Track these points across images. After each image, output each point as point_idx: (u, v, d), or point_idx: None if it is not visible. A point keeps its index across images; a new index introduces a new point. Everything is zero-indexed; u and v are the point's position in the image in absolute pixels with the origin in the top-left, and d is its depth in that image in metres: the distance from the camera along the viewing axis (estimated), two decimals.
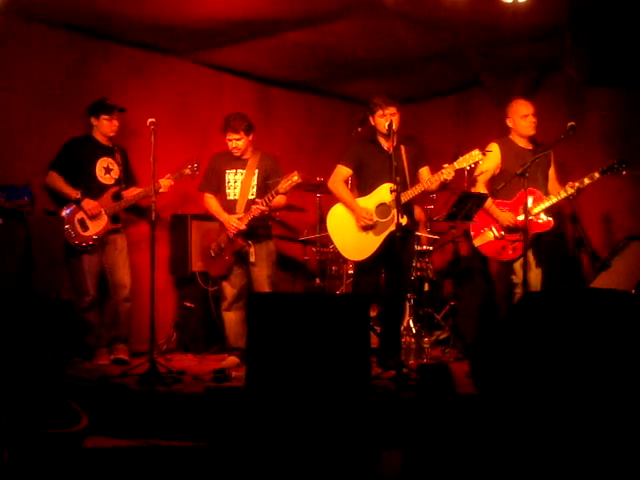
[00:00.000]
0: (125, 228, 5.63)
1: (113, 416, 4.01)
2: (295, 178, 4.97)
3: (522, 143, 5.23)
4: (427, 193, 5.21)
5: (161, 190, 5.30)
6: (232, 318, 5.35)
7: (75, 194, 5.30)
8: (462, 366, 5.08)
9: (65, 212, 5.29)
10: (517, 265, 5.05)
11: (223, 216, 5.26)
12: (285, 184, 4.99)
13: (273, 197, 5.07)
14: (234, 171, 5.32)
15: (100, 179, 5.44)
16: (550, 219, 5.07)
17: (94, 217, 5.32)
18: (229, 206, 5.30)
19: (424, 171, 5.09)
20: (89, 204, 5.31)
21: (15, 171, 5.27)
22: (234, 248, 5.24)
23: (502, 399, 3.26)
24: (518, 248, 4.99)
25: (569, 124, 4.70)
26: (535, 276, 5.13)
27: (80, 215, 5.31)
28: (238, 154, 5.30)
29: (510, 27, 5.39)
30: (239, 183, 5.29)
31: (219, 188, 5.38)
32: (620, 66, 4.09)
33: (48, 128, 5.52)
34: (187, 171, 5.55)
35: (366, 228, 5.00)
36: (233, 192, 5.30)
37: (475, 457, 3.04)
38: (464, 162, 4.81)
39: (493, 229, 5.14)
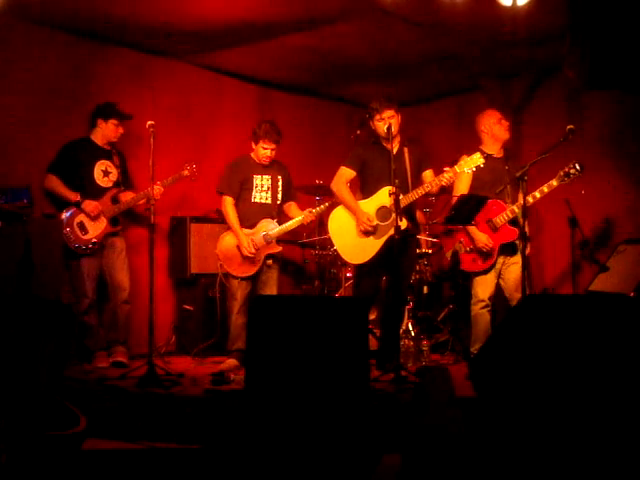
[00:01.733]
0: (124, 231, 5.63)
1: (112, 418, 4.00)
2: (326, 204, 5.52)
3: (494, 151, 5.20)
4: (427, 195, 5.20)
5: (152, 201, 4.96)
6: (240, 321, 5.36)
7: (74, 197, 5.30)
8: (461, 369, 5.09)
9: (65, 215, 5.28)
10: (478, 279, 5.13)
11: (239, 233, 5.32)
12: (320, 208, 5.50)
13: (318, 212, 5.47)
14: (260, 177, 5.41)
15: (98, 182, 5.43)
16: (515, 228, 4.98)
17: (95, 218, 5.32)
18: (257, 209, 5.38)
19: (428, 174, 5.08)
20: (90, 205, 5.30)
21: (14, 173, 5.26)
22: (269, 250, 5.38)
23: (502, 402, 3.26)
24: (488, 261, 5.08)
25: (568, 127, 4.69)
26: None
27: (80, 218, 5.30)
28: (267, 162, 5.40)
29: (509, 30, 5.40)
30: (266, 187, 5.40)
31: (240, 192, 5.42)
32: (619, 69, 4.09)
33: (48, 130, 5.52)
34: (185, 172, 5.55)
35: (367, 233, 5.00)
36: (265, 195, 5.40)
37: (474, 460, 3.04)
38: (465, 166, 4.78)
39: (462, 242, 5.17)
